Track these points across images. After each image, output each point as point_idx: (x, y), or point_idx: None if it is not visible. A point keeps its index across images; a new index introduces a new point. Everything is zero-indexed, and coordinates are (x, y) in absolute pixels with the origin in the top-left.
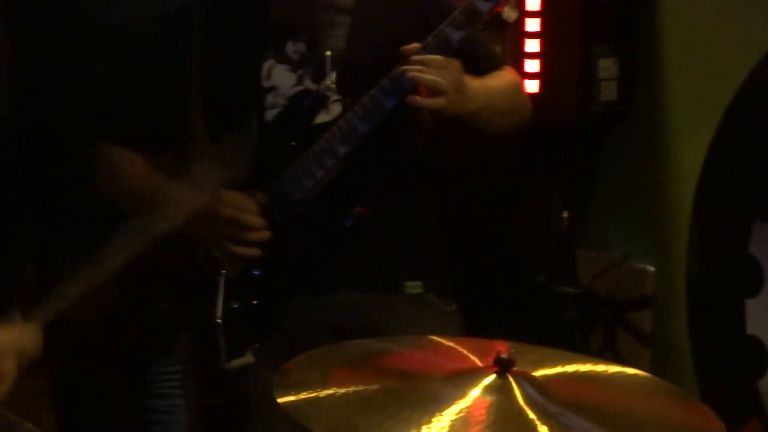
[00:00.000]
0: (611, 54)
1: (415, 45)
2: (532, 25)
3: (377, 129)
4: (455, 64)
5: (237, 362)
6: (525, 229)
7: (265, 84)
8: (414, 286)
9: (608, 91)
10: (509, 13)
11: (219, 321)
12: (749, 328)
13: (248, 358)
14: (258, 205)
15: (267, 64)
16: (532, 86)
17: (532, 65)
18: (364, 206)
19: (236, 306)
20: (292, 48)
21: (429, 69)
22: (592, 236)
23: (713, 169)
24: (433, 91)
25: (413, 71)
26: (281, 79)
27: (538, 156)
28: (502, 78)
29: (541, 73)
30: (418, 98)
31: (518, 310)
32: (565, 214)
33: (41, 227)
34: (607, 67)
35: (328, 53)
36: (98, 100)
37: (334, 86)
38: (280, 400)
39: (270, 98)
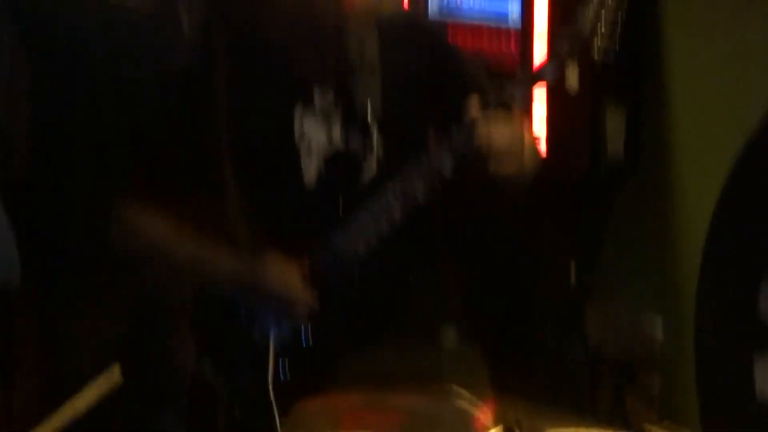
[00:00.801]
0: (618, 109)
1: (477, 107)
2: (539, 84)
3: (435, 191)
4: (518, 122)
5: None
6: (533, 285)
7: (299, 139)
8: (448, 331)
9: (615, 147)
10: (571, 80)
11: (271, 387)
12: (758, 387)
13: None
14: (304, 275)
15: (297, 116)
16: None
17: (539, 121)
18: (417, 265)
19: (286, 370)
20: (319, 100)
21: (496, 131)
22: (600, 294)
23: (721, 226)
24: (503, 153)
25: (483, 133)
26: (314, 131)
27: (546, 211)
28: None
29: (549, 129)
30: (494, 161)
31: (525, 365)
32: (573, 269)
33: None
34: (615, 122)
35: (368, 109)
36: (118, 157)
37: (374, 140)
38: None
39: (304, 153)
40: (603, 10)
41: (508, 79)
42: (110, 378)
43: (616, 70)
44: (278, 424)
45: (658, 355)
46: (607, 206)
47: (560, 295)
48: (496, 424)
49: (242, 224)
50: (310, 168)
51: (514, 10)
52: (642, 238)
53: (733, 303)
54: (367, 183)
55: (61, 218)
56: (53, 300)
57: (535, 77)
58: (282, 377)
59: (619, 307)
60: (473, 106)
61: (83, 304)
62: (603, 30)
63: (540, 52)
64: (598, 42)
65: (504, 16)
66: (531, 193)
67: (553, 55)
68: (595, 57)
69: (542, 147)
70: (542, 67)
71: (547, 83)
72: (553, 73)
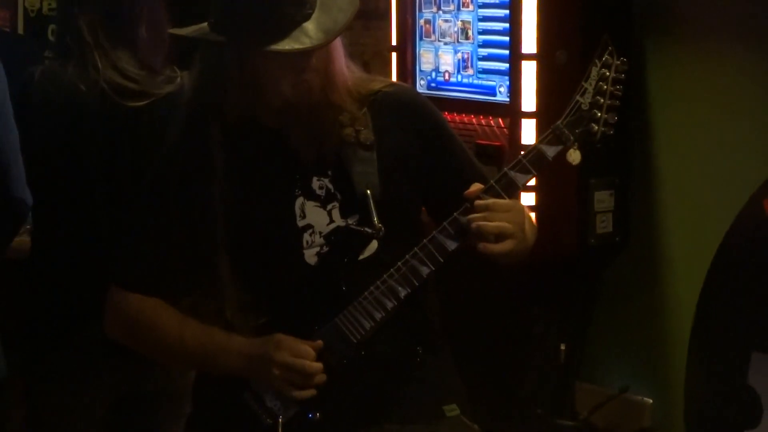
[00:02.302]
0: (607, 187)
1: (479, 187)
2: None
3: (439, 271)
4: (519, 206)
5: None
6: (523, 361)
7: (300, 223)
8: (451, 409)
9: (604, 224)
10: (574, 156)
11: None
12: None
13: None
14: (315, 349)
15: (298, 202)
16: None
17: (528, 198)
18: (421, 343)
19: None
20: (317, 184)
21: (494, 214)
22: (589, 369)
23: (710, 300)
24: (500, 236)
25: (479, 220)
26: (315, 216)
27: (536, 289)
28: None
29: (538, 207)
30: (489, 245)
31: None
32: (563, 347)
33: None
34: (603, 199)
35: (368, 191)
36: (113, 243)
37: (373, 218)
38: None
39: (306, 237)
40: (603, 85)
41: (499, 154)
42: None
43: (604, 146)
44: None
45: (648, 427)
46: (597, 281)
47: (550, 371)
48: None
49: (241, 310)
50: (312, 249)
51: (502, 84)
52: (631, 312)
53: (723, 376)
54: (368, 261)
55: (52, 302)
56: (41, 389)
57: (534, 156)
58: None
59: (608, 380)
60: (472, 187)
61: (72, 389)
62: (604, 104)
63: (528, 126)
64: (598, 116)
65: (492, 91)
66: (521, 271)
67: (553, 132)
68: (596, 131)
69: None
70: (541, 144)
71: (544, 161)
72: (554, 151)
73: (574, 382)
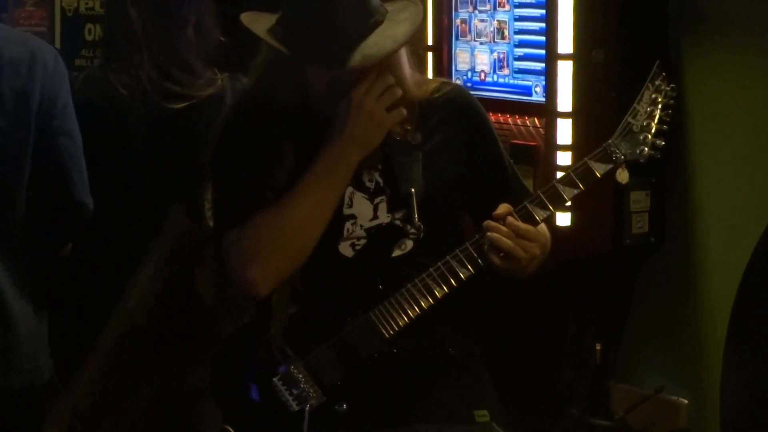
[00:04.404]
0: (643, 187)
1: (504, 210)
2: (563, 158)
3: (478, 274)
4: (543, 240)
5: None
6: (558, 362)
7: (347, 211)
8: (481, 415)
9: (640, 224)
10: (623, 176)
11: None
12: None
13: None
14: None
15: (348, 190)
16: (564, 219)
17: None
18: (454, 345)
19: None
20: (367, 176)
21: (518, 240)
22: (625, 369)
23: (746, 300)
24: (506, 255)
25: (496, 235)
26: (361, 207)
27: (571, 289)
28: (545, 231)
29: (573, 207)
30: (494, 258)
31: None
32: (598, 347)
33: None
34: (639, 199)
35: (413, 189)
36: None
37: (417, 221)
38: None
39: (348, 226)
40: (654, 109)
41: (534, 154)
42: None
43: None
44: None
45: (684, 428)
46: (632, 281)
47: (585, 371)
48: None
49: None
50: (349, 240)
51: (538, 84)
52: (667, 312)
53: (759, 376)
54: (402, 259)
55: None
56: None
57: (582, 171)
58: None
59: (644, 380)
60: (499, 211)
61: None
62: (653, 128)
63: (564, 126)
64: (648, 139)
65: (528, 91)
66: (556, 271)
67: (605, 150)
68: (645, 154)
69: (566, 223)
70: (590, 160)
71: (593, 177)
72: (603, 169)
73: (610, 382)
